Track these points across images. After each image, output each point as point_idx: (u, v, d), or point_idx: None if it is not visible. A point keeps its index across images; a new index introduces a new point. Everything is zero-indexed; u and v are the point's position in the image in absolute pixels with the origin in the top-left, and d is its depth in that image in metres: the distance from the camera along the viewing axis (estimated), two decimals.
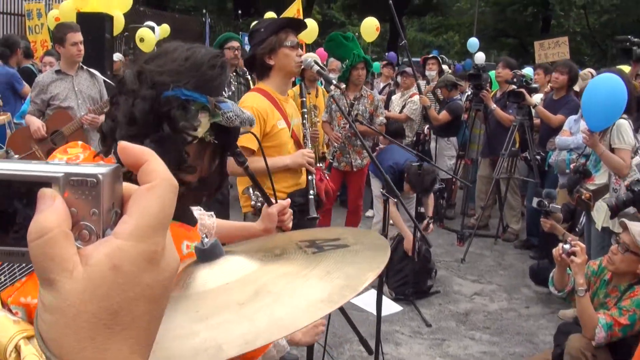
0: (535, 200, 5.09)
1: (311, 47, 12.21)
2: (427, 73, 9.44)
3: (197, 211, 1.94)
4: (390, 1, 6.56)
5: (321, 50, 10.97)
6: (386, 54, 19.50)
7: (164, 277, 0.53)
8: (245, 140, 3.43)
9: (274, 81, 3.66)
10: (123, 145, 0.54)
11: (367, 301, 4.64)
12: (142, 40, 10.57)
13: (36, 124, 5.00)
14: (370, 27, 11.42)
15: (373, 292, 3.81)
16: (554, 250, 3.62)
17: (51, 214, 0.49)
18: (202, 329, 0.84)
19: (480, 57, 17.95)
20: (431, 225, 5.72)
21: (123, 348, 0.51)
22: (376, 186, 6.02)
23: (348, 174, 6.46)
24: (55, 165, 0.52)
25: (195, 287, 0.98)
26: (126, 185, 0.55)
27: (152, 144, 1.27)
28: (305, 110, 3.98)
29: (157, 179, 0.53)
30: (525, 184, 7.48)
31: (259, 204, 3.49)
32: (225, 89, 5.58)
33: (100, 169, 0.51)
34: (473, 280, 6.21)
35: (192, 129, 1.35)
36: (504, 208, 7.57)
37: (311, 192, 3.69)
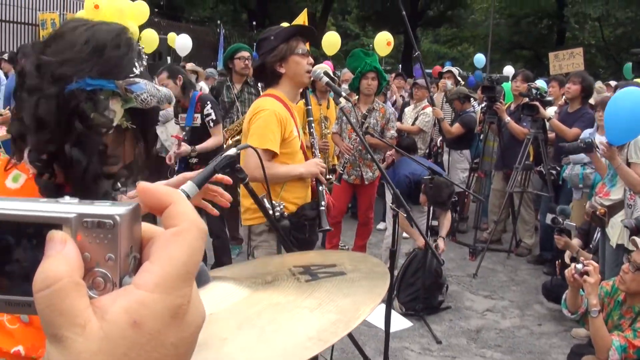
0: (549, 217, 5.00)
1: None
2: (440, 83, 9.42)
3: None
4: (404, 13, 6.52)
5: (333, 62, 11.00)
6: (400, 65, 19.52)
7: (189, 333, 0.47)
8: (269, 143, 3.38)
9: (284, 89, 3.58)
10: (144, 187, 0.50)
11: (376, 316, 4.56)
12: (139, 39, 10.61)
13: None
14: (381, 42, 11.45)
15: (383, 307, 3.73)
16: (566, 271, 3.53)
17: (60, 261, 0.44)
18: None
19: (480, 60, 17.85)
20: (441, 244, 5.61)
21: None
22: (390, 198, 5.96)
23: (358, 186, 6.39)
24: (67, 205, 0.47)
25: None
26: (146, 227, 0.50)
27: (74, 149, 1.18)
28: (311, 119, 3.89)
29: (185, 223, 0.48)
30: (539, 198, 7.38)
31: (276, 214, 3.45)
32: (233, 97, 5.54)
33: (118, 208, 0.46)
34: (485, 296, 6.11)
35: (107, 123, 1.23)
36: (517, 222, 7.47)
37: (322, 203, 3.59)
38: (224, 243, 5.94)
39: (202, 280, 0.97)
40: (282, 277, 1.02)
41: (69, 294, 0.43)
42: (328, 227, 3.58)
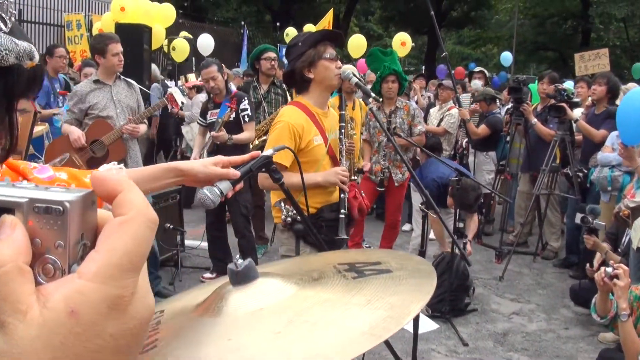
0: (578, 216, 4.96)
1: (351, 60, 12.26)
2: (472, 83, 9.36)
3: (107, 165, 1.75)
4: (432, 13, 6.51)
5: (362, 61, 10.99)
6: (423, 66, 19.47)
7: (132, 325, 0.46)
8: (279, 157, 3.39)
9: (313, 95, 3.62)
10: (96, 175, 0.49)
11: None
12: (174, 49, 10.69)
13: (76, 133, 5.00)
14: (396, 43, 11.49)
15: None
16: (596, 275, 3.50)
17: (7, 245, 0.43)
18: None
19: (507, 59, 17.68)
20: (469, 247, 5.57)
21: None
22: (417, 200, 5.94)
23: (386, 188, 6.38)
24: (22, 189, 0.47)
25: (228, 312, 0.93)
26: (103, 214, 0.49)
27: None
28: (343, 124, 3.87)
29: (132, 212, 0.47)
30: (565, 200, 7.31)
31: (289, 218, 3.46)
32: (260, 98, 5.58)
33: (69, 195, 0.46)
34: (511, 299, 6.06)
35: None
36: (543, 225, 7.40)
37: (342, 211, 3.57)
38: (250, 242, 5.97)
39: (250, 275, 0.98)
40: (329, 275, 1.03)
41: (13, 280, 0.43)
42: (345, 237, 3.57)
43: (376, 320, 0.82)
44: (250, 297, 0.94)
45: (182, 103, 5.75)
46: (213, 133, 5.61)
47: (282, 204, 3.47)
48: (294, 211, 3.31)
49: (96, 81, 5.18)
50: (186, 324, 0.93)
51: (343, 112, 3.72)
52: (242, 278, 0.98)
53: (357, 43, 11.92)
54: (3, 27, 1.04)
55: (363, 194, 3.87)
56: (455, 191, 5.25)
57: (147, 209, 0.47)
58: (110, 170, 1.63)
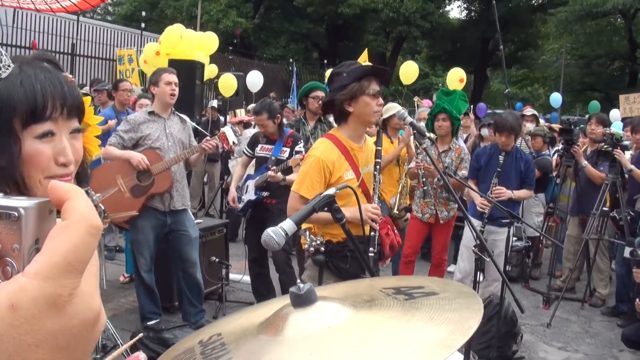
0: (627, 250, 4.86)
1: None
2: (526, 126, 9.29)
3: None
4: (501, 47, 6.51)
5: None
6: (471, 106, 19.32)
7: (72, 325, 0.49)
8: (303, 190, 3.44)
9: (349, 128, 3.60)
10: (51, 183, 0.52)
11: None
12: (217, 83, 10.90)
13: (137, 156, 5.00)
14: (454, 79, 11.40)
15: (456, 354, 3.65)
16: None
17: None
18: None
19: (557, 100, 17.51)
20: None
21: None
22: (467, 239, 5.87)
23: (433, 226, 6.33)
24: None
25: (293, 331, 0.99)
26: (59, 223, 0.52)
27: None
28: (379, 160, 3.77)
29: (74, 217, 0.50)
30: (613, 245, 7.13)
31: (312, 248, 3.43)
32: (308, 134, 5.64)
33: (25, 202, 0.50)
34: (559, 347, 5.90)
35: None
36: (592, 271, 7.22)
37: (371, 249, 3.50)
38: (291, 278, 5.96)
39: (311, 298, 1.05)
40: (379, 297, 1.09)
41: None
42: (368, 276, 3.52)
43: (443, 333, 0.89)
44: (314, 318, 1.01)
45: (234, 143, 5.82)
46: (270, 173, 5.65)
47: (307, 233, 3.45)
48: (318, 241, 3.33)
49: (151, 113, 5.24)
50: (258, 343, 1.00)
51: (379, 147, 3.68)
52: (304, 301, 1.05)
53: (409, 70, 11.85)
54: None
55: (396, 231, 3.80)
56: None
57: (89, 216, 0.51)
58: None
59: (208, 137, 5.24)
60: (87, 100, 1.30)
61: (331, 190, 1.91)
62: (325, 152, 3.51)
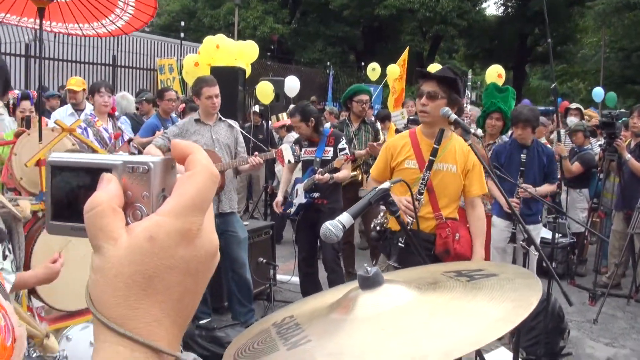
0: None
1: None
2: (568, 120, 9.21)
3: None
4: (549, 39, 6.46)
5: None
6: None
7: (200, 254, 0.59)
8: (374, 172, 4.04)
9: (430, 125, 3.86)
10: (173, 142, 0.63)
11: None
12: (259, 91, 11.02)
13: None
14: (492, 75, 11.32)
15: (503, 351, 3.70)
16: None
17: (103, 191, 0.59)
18: (399, 344, 0.92)
19: (599, 94, 17.20)
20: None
21: (153, 309, 0.58)
22: (496, 236, 5.83)
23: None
24: (118, 156, 0.62)
25: (363, 310, 1.06)
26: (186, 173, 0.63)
27: None
28: (432, 158, 3.82)
29: (198, 167, 0.61)
30: None
31: (377, 227, 3.75)
32: (351, 135, 5.81)
33: (154, 158, 0.61)
34: (606, 344, 5.86)
35: None
36: (637, 266, 7.14)
37: (400, 239, 3.70)
38: (340, 277, 6.04)
39: (378, 281, 1.12)
40: (442, 280, 1.15)
41: (107, 215, 0.58)
42: (397, 265, 3.69)
43: (506, 309, 0.95)
44: (382, 299, 1.08)
45: (289, 161, 5.91)
46: (318, 176, 5.73)
47: (382, 213, 3.86)
48: (382, 223, 3.81)
49: (197, 120, 5.40)
50: (330, 322, 1.07)
51: (437, 146, 3.77)
52: (371, 283, 1.12)
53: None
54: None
55: (457, 237, 3.83)
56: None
57: (210, 166, 0.61)
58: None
59: (265, 152, 5.41)
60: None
61: (386, 184, 2.00)
62: (397, 139, 3.95)
